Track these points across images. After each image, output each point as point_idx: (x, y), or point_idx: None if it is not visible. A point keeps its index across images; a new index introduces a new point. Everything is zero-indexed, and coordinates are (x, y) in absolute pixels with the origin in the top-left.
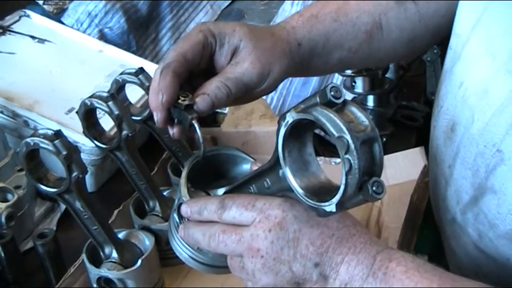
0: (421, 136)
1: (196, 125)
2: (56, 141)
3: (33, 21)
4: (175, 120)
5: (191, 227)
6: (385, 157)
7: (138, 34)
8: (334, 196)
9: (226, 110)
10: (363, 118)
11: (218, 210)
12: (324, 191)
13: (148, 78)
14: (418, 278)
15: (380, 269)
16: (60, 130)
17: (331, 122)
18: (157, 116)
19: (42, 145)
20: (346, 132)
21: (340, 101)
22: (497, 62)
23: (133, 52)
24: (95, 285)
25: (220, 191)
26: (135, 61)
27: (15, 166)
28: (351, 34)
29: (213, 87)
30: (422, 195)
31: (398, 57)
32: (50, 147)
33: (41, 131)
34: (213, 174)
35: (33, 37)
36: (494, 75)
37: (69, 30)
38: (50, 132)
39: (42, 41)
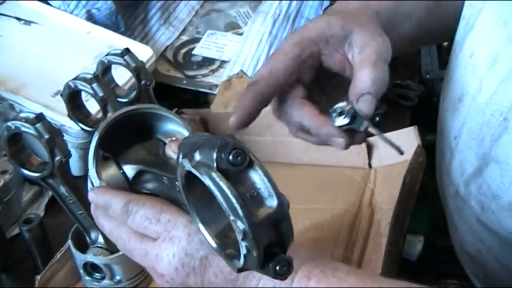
0: (416, 115)
1: (373, 130)
2: (38, 125)
3: (19, 3)
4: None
5: (99, 216)
6: (378, 137)
7: (127, 15)
8: (238, 260)
9: (216, 90)
10: (269, 189)
11: (123, 214)
12: (232, 233)
13: (134, 59)
14: None
15: None
16: (42, 113)
17: (225, 200)
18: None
19: (23, 129)
20: (243, 218)
21: (241, 168)
22: (508, 30)
23: (122, 33)
24: (81, 271)
25: (134, 169)
26: (123, 42)
27: (2, 151)
28: (414, 6)
29: (369, 83)
30: (416, 176)
31: None
32: (32, 131)
33: (22, 115)
34: (135, 132)
35: (19, 19)
36: (505, 43)
37: (56, 11)
38: (31, 115)
39: (28, 22)
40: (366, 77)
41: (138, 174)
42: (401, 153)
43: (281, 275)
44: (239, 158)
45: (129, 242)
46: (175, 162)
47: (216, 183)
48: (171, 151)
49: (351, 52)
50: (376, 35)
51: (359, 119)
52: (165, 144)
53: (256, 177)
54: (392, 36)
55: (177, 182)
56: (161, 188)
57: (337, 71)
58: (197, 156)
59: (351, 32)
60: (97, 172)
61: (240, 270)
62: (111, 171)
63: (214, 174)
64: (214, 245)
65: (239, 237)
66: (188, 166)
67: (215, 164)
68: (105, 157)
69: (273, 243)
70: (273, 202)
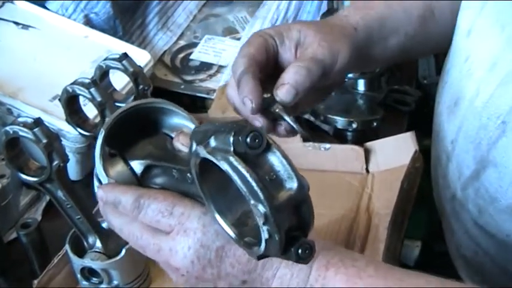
0: (413, 121)
1: (281, 112)
2: (36, 129)
3: (17, 7)
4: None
5: (108, 213)
6: (376, 142)
7: (125, 19)
8: (257, 247)
9: (214, 95)
10: (289, 171)
11: (134, 210)
12: (250, 220)
13: (132, 63)
14: (360, 285)
15: (317, 281)
16: (40, 118)
17: (245, 184)
18: (259, 123)
19: (21, 133)
20: (265, 202)
21: (259, 151)
22: (505, 34)
23: (120, 37)
24: (78, 276)
25: (141, 164)
26: (121, 47)
27: None
28: (404, 19)
29: (290, 75)
30: (413, 181)
31: None
32: (30, 136)
33: (20, 119)
34: (140, 128)
35: (17, 23)
36: (503, 47)
37: (54, 15)
38: (29, 120)
39: (26, 27)
40: (291, 69)
41: (146, 169)
42: (296, 133)
43: (304, 259)
44: (257, 140)
45: (141, 238)
46: (185, 154)
47: (234, 168)
48: (180, 143)
49: (293, 52)
50: (326, 42)
51: (274, 103)
52: (172, 138)
53: (275, 159)
54: (375, 50)
55: (188, 174)
56: (171, 181)
57: (275, 71)
58: (212, 142)
59: (305, 36)
60: (104, 169)
61: (260, 257)
62: (119, 167)
63: (232, 158)
64: (232, 234)
65: (260, 221)
66: (203, 153)
67: (232, 148)
68: (112, 154)
69: (293, 227)
70: (293, 184)
